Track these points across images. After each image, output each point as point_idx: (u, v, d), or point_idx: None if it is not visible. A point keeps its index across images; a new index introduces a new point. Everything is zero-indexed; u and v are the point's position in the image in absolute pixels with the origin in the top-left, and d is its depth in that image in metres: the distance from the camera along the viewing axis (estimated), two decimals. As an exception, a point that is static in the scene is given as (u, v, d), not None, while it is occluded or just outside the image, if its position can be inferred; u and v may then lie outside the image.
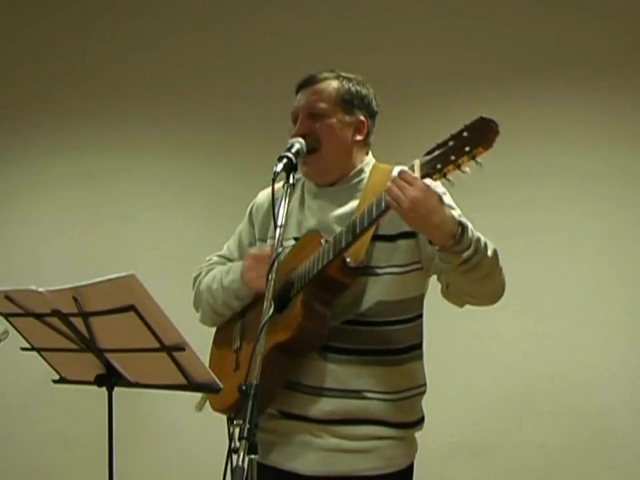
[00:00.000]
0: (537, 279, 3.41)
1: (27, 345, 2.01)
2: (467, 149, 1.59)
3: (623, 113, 3.43)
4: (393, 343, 1.95)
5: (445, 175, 1.64)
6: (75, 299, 1.75)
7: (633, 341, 3.32)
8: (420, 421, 2.04)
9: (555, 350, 3.36)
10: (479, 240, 1.78)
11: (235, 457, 1.50)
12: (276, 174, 1.84)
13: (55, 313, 1.81)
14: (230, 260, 2.21)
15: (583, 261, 3.39)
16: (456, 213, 1.88)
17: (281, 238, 1.76)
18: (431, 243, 1.79)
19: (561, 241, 3.42)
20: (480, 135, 1.58)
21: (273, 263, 1.73)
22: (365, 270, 1.91)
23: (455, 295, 1.93)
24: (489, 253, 1.81)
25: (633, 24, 3.46)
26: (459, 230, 1.73)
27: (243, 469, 1.48)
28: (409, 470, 2.01)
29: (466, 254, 1.74)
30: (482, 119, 1.59)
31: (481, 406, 3.40)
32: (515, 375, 3.39)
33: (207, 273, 2.19)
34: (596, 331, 3.34)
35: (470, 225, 1.79)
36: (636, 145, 3.40)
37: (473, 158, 1.59)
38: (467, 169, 1.62)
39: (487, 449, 3.38)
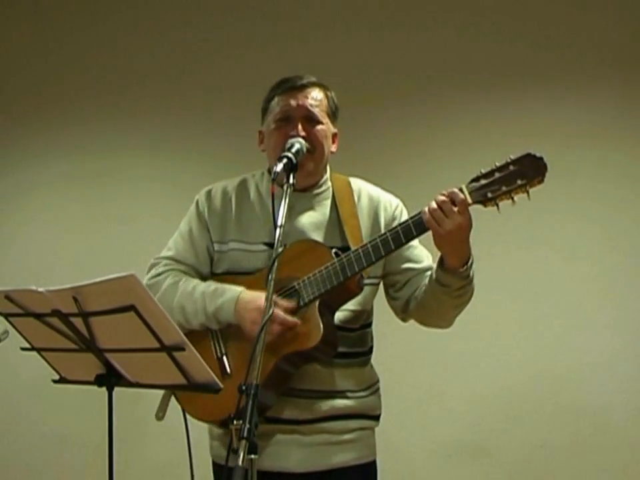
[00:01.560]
0: (537, 279, 3.41)
1: (27, 345, 2.01)
2: (520, 182, 1.78)
3: (623, 113, 3.43)
4: (363, 345, 2.08)
5: (497, 204, 1.81)
6: (75, 299, 1.75)
7: (632, 341, 3.32)
8: (380, 414, 2.13)
9: (554, 350, 3.36)
10: (472, 264, 1.92)
11: (234, 457, 1.50)
12: (276, 174, 1.84)
13: (55, 313, 1.81)
14: (185, 264, 2.11)
15: (583, 261, 3.39)
16: None
17: (280, 238, 1.76)
18: (441, 263, 1.88)
19: (560, 241, 3.42)
20: (533, 170, 1.77)
21: (273, 263, 1.73)
22: None
23: (415, 314, 2.05)
24: (474, 278, 1.94)
25: (634, 23, 3.46)
26: (471, 258, 1.88)
27: (243, 469, 1.47)
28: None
29: (467, 280, 1.89)
30: (531, 156, 1.78)
31: (481, 406, 3.40)
32: (515, 375, 3.39)
33: (174, 285, 2.06)
34: (596, 331, 3.34)
35: None
36: (636, 146, 3.40)
37: (527, 191, 1.78)
38: (516, 198, 1.80)
39: (487, 449, 3.38)
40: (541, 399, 3.36)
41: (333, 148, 2.12)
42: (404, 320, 2.14)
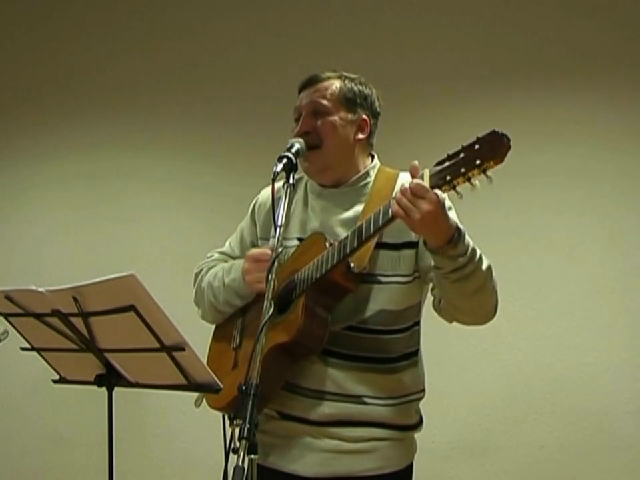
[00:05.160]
0: (537, 279, 3.41)
1: (27, 345, 2.01)
2: (478, 162, 1.56)
3: (623, 113, 3.43)
4: (389, 352, 1.95)
5: (454, 187, 1.62)
6: (75, 299, 1.75)
7: (632, 341, 3.32)
8: (419, 424, 2.04)
9: (554, 350, 3.36)
10: (474, 250, 1.78)
11: (234, 456, 1.50)
12: (276, 174, 1.83)
13: (55, 313, 1.81)
14: (231, 257, 2.20)
15: (583, 260, 3.39)
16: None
17: (280, 238, 1.76)
18: (425, 244, 1.79)
19: (560, 241, 3.42)
20: (492, 148, 1.54)
21: (273, 263, 1.73)
22: (369, 277, 1.91)
23: (445, 310, 1.93)
24: (483, 266, 1.81)
25: (633, 23, 3.46)
26: (456, 234, 1.73)
27: (243, 469, 1.47)
28: (408, 470, 2.01)
29: (460, 260, 1.74)
30: (494, 132, 1.56)
31: (481, 406, 3.40)
32: (515, 375, 3.39)
33: (208, 270, 2.18)
34: (596, 331, 3.34)
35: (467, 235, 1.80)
36: (635, 145, 3.40)
37: (484, 172, 1.56)
38: (477, 182, 1.59)
39: (487, 449, 3.38)
40: (541, 399, 3.36)
41: (360, 135, 2.02)
42: (449, 321, 1.97)
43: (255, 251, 2.03)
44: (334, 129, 1.99)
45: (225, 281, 2.06)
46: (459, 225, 1.77)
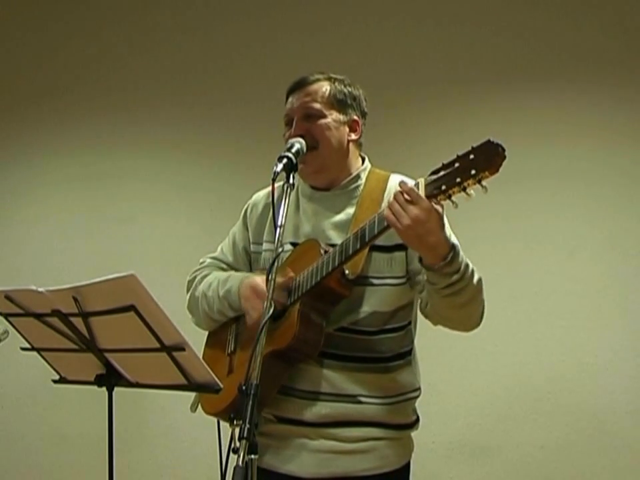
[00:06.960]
0: (537, 280, 3.42)
1: (27, 345, 2.01)
2: (473, 172, 1.55)
3: (621, 115, 3.43)
4: (383, 352, 1.96)
5: (449, 197, 1.61)
6: (75, 299, 1.75)
7: (632, 340, 3.32)
8: (415, 422, 2.05)
9: (554, 350, 3.36)
10: (467, 266, 1.79)
11: (234, 457, 1.50)
12: (276, 174, 1.83)
13: (55, 313, 1.81)
14: (224, 262, 2.19)
15: (582, 261, 3.39)
16: (452, 237, 1.88)
17: (281, 238, 1.76)
18: (421, 261, 1.79)
19: (559, 242, 3.42)
20: (487, 158, 1.54)
21: (273, 263, 1.73)
22: (362, 280, 1.92)
23: (430, 314, 1.95)
24: (474, 280, 1.81)
25: (629, 25, 3.47)
26: (452, 253, 1.73)
27: (243, 468, 1.47)
28: (405, 469, 2.02)
29: (453, 277, 1.74)
30: (489, 142, 1.55)
31: (481, 406, 3.41)
32: (515, 375, 3.39)
33: (202, 278, 2.17)
34: (596, 331, 3.34)
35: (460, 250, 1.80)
36: (633, 147, 3.40)
37: (479, 182, 1.56)
38: (472, 192, 1.59)
39: (487, 449, 3.38)
40: (541, 399, 3.36)
41: (353, 136, 2.04)
42: (433, 324, 1.98)
43: (257, 284, 1.97)
44: (328, 130, 1.99)
45: (220, 293, 2.06)
46: (454, 241, 1.77)
